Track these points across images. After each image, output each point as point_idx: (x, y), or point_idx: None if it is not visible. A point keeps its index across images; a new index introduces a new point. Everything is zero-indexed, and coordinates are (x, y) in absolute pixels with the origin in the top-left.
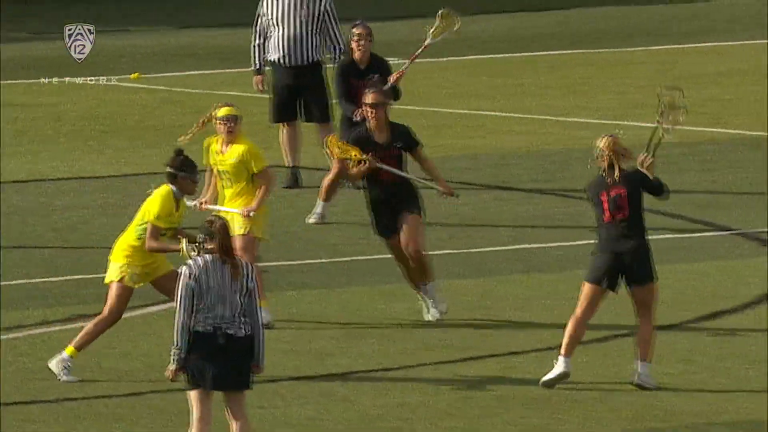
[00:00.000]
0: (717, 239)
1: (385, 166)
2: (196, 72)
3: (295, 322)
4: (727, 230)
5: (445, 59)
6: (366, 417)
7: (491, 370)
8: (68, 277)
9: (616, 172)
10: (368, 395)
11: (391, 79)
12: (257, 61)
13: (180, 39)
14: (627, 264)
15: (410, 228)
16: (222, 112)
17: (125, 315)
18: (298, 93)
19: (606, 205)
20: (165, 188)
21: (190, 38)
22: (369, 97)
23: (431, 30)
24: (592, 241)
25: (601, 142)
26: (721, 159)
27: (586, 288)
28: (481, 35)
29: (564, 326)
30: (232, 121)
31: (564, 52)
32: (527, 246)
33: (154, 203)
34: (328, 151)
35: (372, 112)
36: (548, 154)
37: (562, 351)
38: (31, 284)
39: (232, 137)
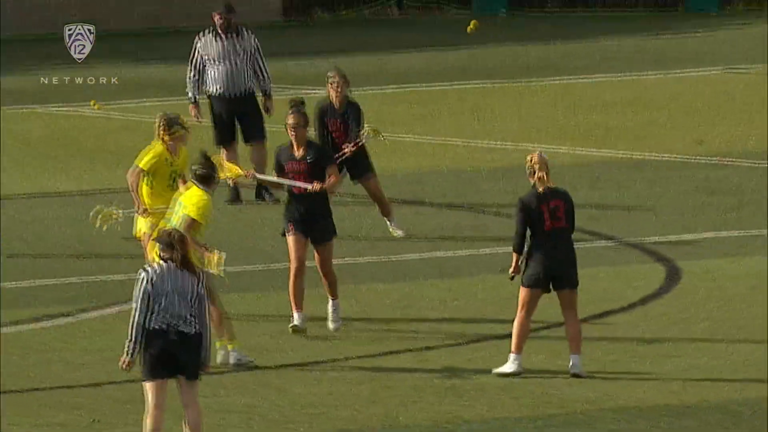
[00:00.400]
0: (605, 248)
1: (261, 176)
2: (149, 101)
3: (236, 321)
4: (613, 239)
5: (368, 90)
6: (298, 404)
7: (408, 363)
8: (34, 282)
9: (549, 186)
10: (300, 385)
11: (348, 151)
12: (193, 93)
13: (136, 73)
14: (559, 270)
15: (322, 258)
16: (186, 122)
17: (84, 316)
18: (237, 119)
19: (546, 215)
20: (200, 190)
21: (144, 72)
22: (290, 119)
23: (363, 137)
24: (497, 250)
25: (533, 159)
26: (608, 178)
27: (526, 292)
28: (399, 69)
29: (470, 322)
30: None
31: (472, 84)
32: (441, 254)
33: (200, 202)
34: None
35: (293, 133)
36: (458, 173)
37: (513, 348)
38: (2, 289)
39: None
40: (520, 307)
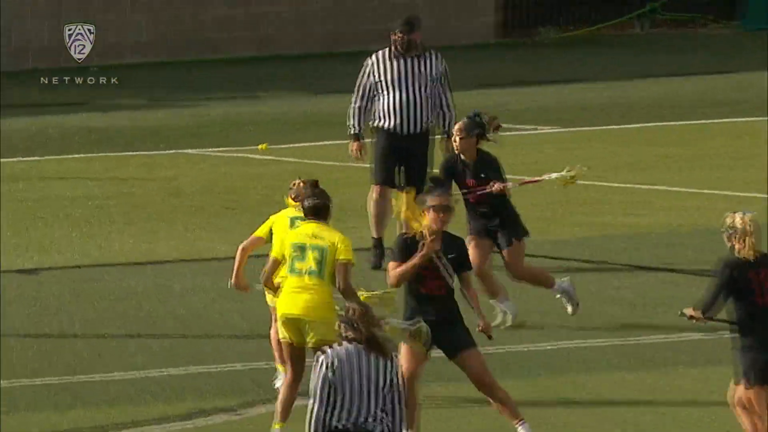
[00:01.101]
0: None
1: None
2: (331, 142)
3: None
4: None
5: (601, 128)
6: None
7: None
8: (188, 369)
9: (759, 252)
10: None
11: (494, 188)
12: (358, 125)
13: (314, 106)
14: None
15: (475, 369)
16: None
17: (248, 412)
18: (402, 159)
19: (758, 288)
20: (331, 228)
21: (325, 105)
22: (434, 200)
23: (556, 175)
24: None
25: (740, 221)
26: None
27: (753, 392)
28: (643, 101)
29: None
30: None
31: (738, 118)
32: (693, 336)
33: (346, 241)
34: (401, 210)
35: (437, 216)
36: (717, 232)
37: None
38: (148, 377)
39: None
40: (753, 411)
